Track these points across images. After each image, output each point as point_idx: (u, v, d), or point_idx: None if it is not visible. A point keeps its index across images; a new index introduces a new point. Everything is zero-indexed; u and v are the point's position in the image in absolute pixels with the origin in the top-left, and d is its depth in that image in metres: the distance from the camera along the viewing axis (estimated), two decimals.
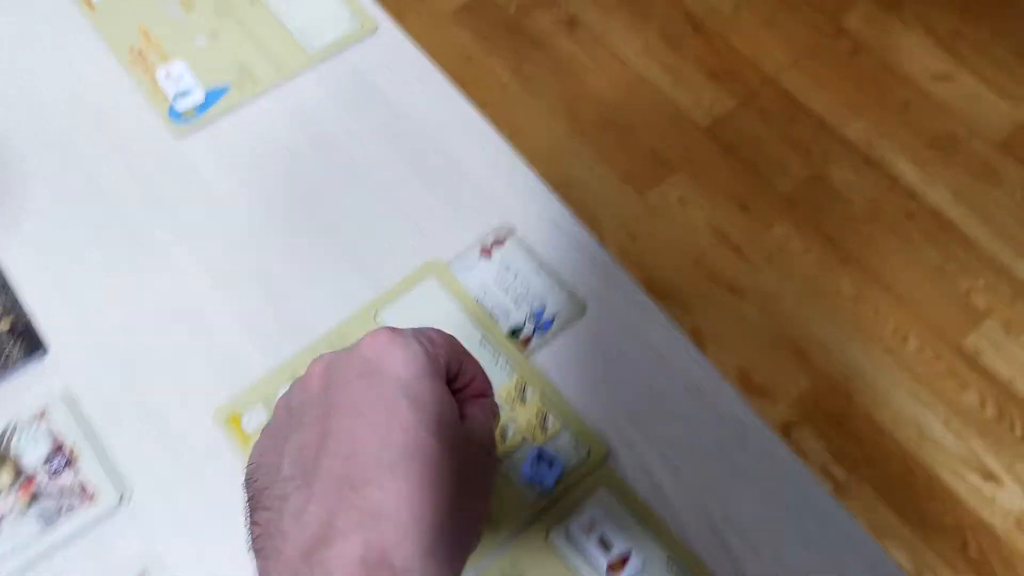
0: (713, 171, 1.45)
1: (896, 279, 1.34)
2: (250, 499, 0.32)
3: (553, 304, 0.52)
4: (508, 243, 0.54)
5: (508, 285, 0.53)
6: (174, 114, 0.58)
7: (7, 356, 0.49)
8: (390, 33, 0.62)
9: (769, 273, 1.36)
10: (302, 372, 0.35)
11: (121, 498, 0.46)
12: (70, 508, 0.46)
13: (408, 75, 0.60)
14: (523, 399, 0.49)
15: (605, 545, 0.45)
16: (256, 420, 0.48)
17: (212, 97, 0.59)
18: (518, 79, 1.51)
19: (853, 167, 1.46)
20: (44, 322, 0.51)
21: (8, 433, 0.48)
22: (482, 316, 0.52)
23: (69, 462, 0.47)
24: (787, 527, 0.46)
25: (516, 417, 0.49)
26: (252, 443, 0.37)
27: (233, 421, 0.49)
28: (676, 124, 1.50)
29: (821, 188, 1.44)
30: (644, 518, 0.46)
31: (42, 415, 0.48)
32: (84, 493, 0.46)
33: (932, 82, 1.52)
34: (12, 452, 0.47)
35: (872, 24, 1.59)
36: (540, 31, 1.59)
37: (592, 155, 1.42)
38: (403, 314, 0.52)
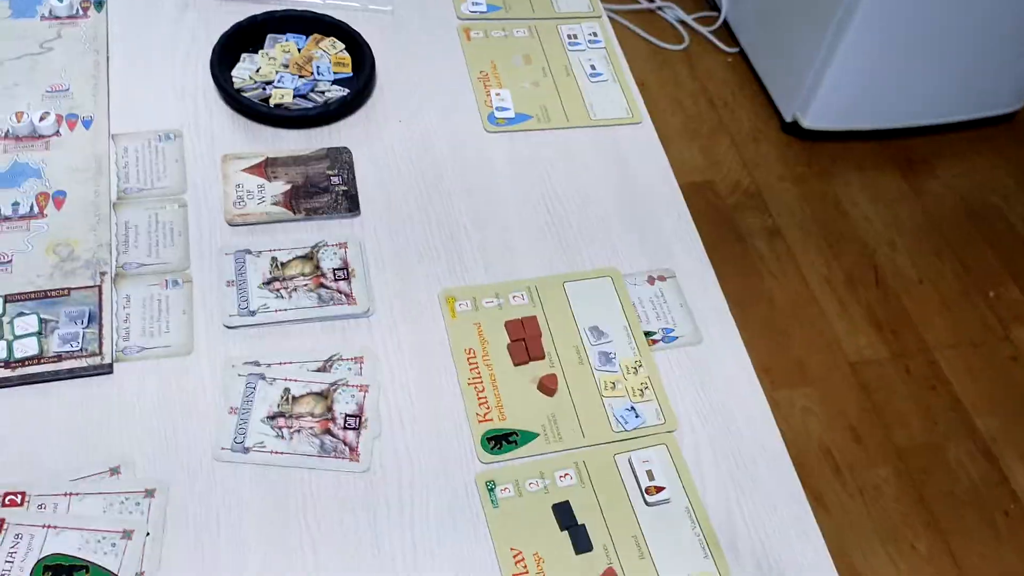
0: (843, 399, 1.61)
1: (970, 563, 1.44)
2: None
3: (681, 330, 0.73)
4: (667, 282, 0.76)
5: (656, 305, 0.74)
6: (491, 119, 0.85)
7: (338, 205, 0.75)
8: (647, 128, 0.87)
9: (856, 502, 1.49)
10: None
11: (368, 311, 0.70)
12: (338, 301, 0.70)
13: (647, 158, 0.85)
14: (636, 372, 0.70)
15: (650, 475, 0.64)
16: (466, 307, 0.72)
17: (519, 119, 0.85)
18: (710, 255, 1.75)
19: (970, 452, 1.58)
20: (363, 198, 0.77)
21: (319, 247, 0.73)
22: (631, 314, 0.73)
23: (347, 278, 0.71)
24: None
25: (628, 380, 0.69)
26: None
27: (450, 301, 0.72)
28: (828, 348, 1.68)
29: (934, 456, 1.57)
30: (682, 476, 0.65)
31: (343, 245, 0.73)
32: (349, 298, 0.70)
33: None
34: (317, 257, 0.72)
35: None
36: (745, 228, 1.83)
37: (745, 335, 1.61)
38: (582, 291, 0.74)
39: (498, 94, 0.87)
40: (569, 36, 0.94)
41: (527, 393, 0.68)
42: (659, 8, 2.18)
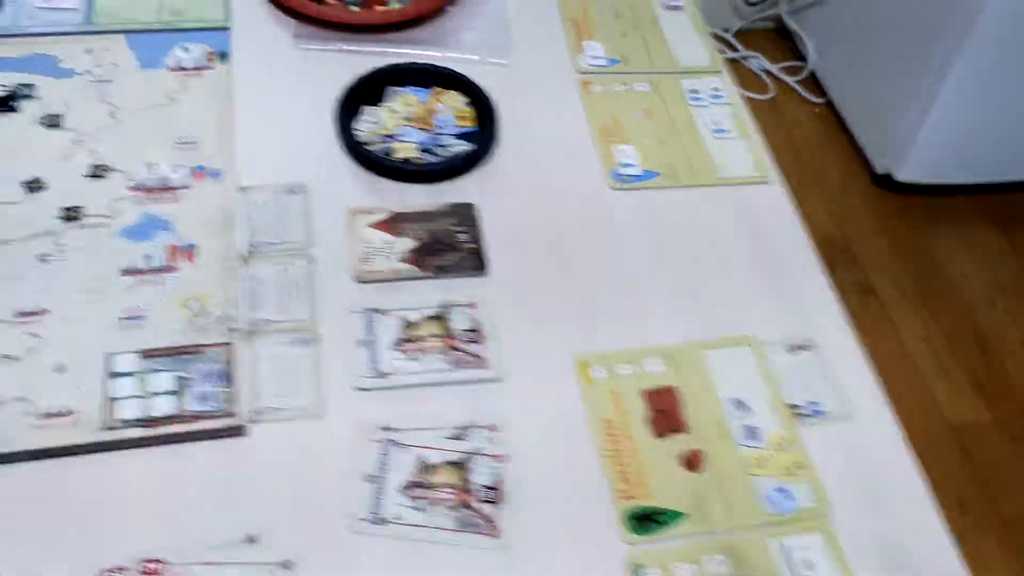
0: (945, 466, 1.54)
1: None
2: None
3: (828, 404, 0.69)
4: (809, 351, 0.72)
5: (799, 376, 0.70)
6: (616, 175, 0.83)
7: (465, 263, 0.74)
8: (777, 187, 0.84)
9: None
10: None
11: (500, 375, 0.68)
12: (469, 364, 0.68)
13: (778, 218, 0.82)
14: (783, 448, 0.66)
15: (808, 565, 0.60)
16: (601, 374, 0.69)
17: (645, 176, 0.83)
18: None
19: None
20: (490, 256, 0.75)
21: (449, 306, 0.71)
22: (773, 386, 0.69)
23: (478, 340, 0.69)
24: None
25: (775, 458, 0.65)
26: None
27: (583, 366, 0.69)
28: (927, 411, 1.61)
29: None
30: (841, 566, 0.61)
31: (472, 305, 0.71)
32: (480, 361, 0.68)
33: None
34: (447, 317, 0.70)
35: None
36: (836, 283, 1.77)
37: None
38: (720, 359, 0.71)
39: (622, 150, 0.85)
40: (691, 91, 0.92)
41: (670, 468, 0.64)
42: (744, 58, 2.15)
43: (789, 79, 2.13)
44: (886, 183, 1.91)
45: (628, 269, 0.76)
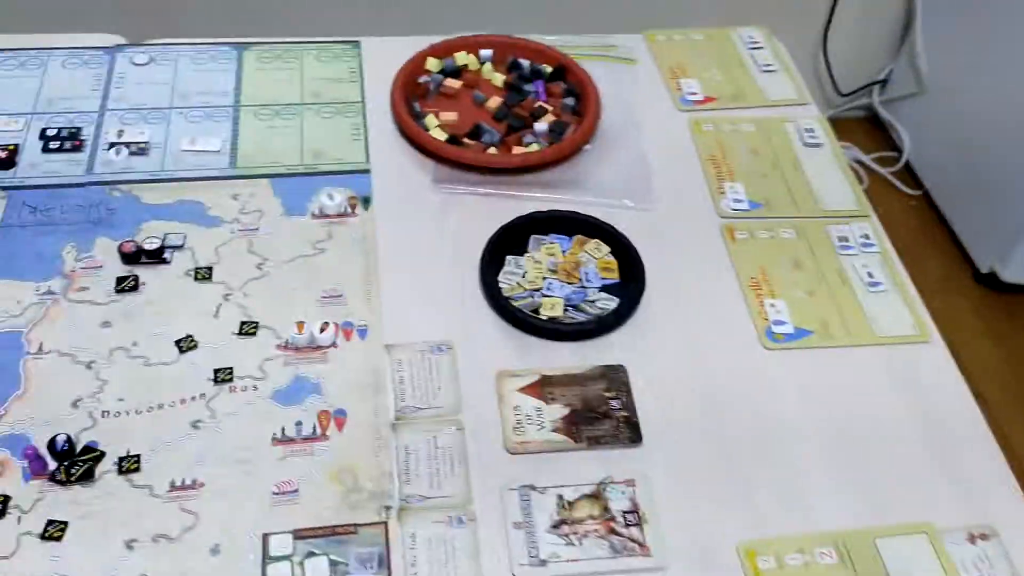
0: None
1: None
2: None
3: None
4: (991, 541, 0.67)
5: (982, 571, 0.65)
6: (769, 334, 0.79)
7: (620, 434, 0.71)
8: (938, 348, 0.80)
9: None
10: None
11: (663, 566, 0.64)
12: (630, 552, 0.64)
13: (942, 384, 0.77)
14: None
15: None
16: (769, 564, 0.65)
17: (799, 334, 0.80)
18: None
19: None
20: (644, 424, 0.72)
21: (606, 484, 0.68)
22: None
23: (638, 523, 0.66)
24: None
25: None
26: None
27: (750, 556, 0.65)
28: None
29: None
30: None
31: (630, 483, 0.68)
32: (642, 548, 0.65)
33: None
34: (604, 496, 0.67)
35: None
36: None
37: None
38: (895, 549, 0.66)
39: (773, 305, 0.82)
40: (839, 238, 0.88)
41: None
42: None
43: (883, 170, 2.08)
44: (990, 282, 1.83)
45: (788, 439, 0.73)
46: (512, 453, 0.70)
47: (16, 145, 0.89)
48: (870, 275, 0.85)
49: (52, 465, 0.66)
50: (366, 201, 0.88)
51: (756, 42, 1.11)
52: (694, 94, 1.03)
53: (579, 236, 0.86)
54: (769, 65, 1.07)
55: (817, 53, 2.01)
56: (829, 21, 1.94)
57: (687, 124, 1.00)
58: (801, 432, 0.73)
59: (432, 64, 1.01)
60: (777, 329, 0.80)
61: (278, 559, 0.62)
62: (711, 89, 1.04)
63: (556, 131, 0.95)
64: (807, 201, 0.92)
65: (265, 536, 0.64)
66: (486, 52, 1.03)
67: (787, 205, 0.92)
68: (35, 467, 0.66)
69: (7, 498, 0.64)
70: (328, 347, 0.75)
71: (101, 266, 0.79)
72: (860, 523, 0.68)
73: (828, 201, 0.92)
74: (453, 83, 1.00)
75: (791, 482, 0.70)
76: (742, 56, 1.09)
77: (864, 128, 2.20)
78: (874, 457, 0.72)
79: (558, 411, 0.73)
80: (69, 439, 0.67)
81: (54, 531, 0.63)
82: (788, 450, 0.72)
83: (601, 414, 0.73)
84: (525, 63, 1.03)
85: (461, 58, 1.02)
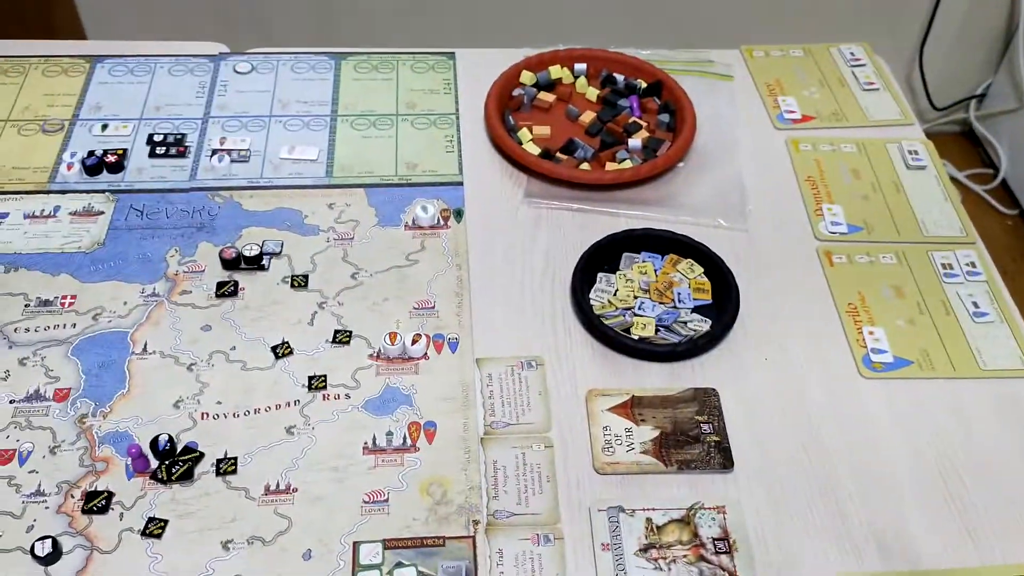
0: None
1: None
2: None
3: None
4: None
5: None
6: (867, 362, 0.77)
7: (711, 459, 0.70)
8: None
9: None
10: None
11: None
12: None
13: None
14: None
15: None
16: None
17: (898, 364, 0.77)
18: None
19: None
20: (735, 450, 0.71)
21: (695, 509, 0.67)
22: None
23: (728, 551, 0.65)
24: None
25: None
26: None
27: None
28: None
29: None
30: None
31: (720, 510, 0.67)
32: None
33: None
34: (694, 522, 0.66)
35: None
36: None
37: None
38: None
39: (871, 332, 0.79)
40: (943, 265, 0.86)
41: None
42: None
43: (978, 187, 2.01)
44: None
45: (887, 475, 0.71)
46: (601, 473, 0.70)
47: (125, 150, 0.92)
48: (975, 304, 0.82)
49: (154, 464, 0.68)
50: (459, 214, 0.88)
51: (858, 59, 1.08)
52: (792, 112, 1.01)
53: (672, 255, 0.85)
54: (871, 83, 1.05)
55: (912, 66, 1.96)
56: (927, 34, 1.89)
57: (784, 143, 0.98)
58: (900, 465, 0.71)
59: (526, 77, 1.01)
60: (876, 358, 0.78)
61: (368, 568, 0.63)
62: (809, 107, 1.02)
63: (650, 147, 0.94)
64: (909, 226, 0.90)
65: (356, 544, 0.64)
66: (580, 66, 1.03)
67: (888, 229, 0.89)
68: (138, 465, 0.68)
69: (111, 494, 0.66)
70: (419, 359, 0.76)
71: (203, 270, 0.81)
72: (962, 563, 0.66)
73: (931, 226, 0.90)
74: (547, 97, 1.00)
75: (889, 517, 0.68)
76: (842, 73, 1.06)
77: (959, 144, 2.13)
78: (978, 495, 0.70)
79: (648, 433, 0.72)
80: (171, 439, 0.68)
81: (154, 528, 0.64)
82: (887, 483, 0.70)
83: (692, 438, 0.72)
84: (619, 77, 1.02)
85: (555, 71, 1.02)
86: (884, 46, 1.14)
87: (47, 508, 0.65)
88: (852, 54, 1.09)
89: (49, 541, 0.63)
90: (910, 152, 0.97)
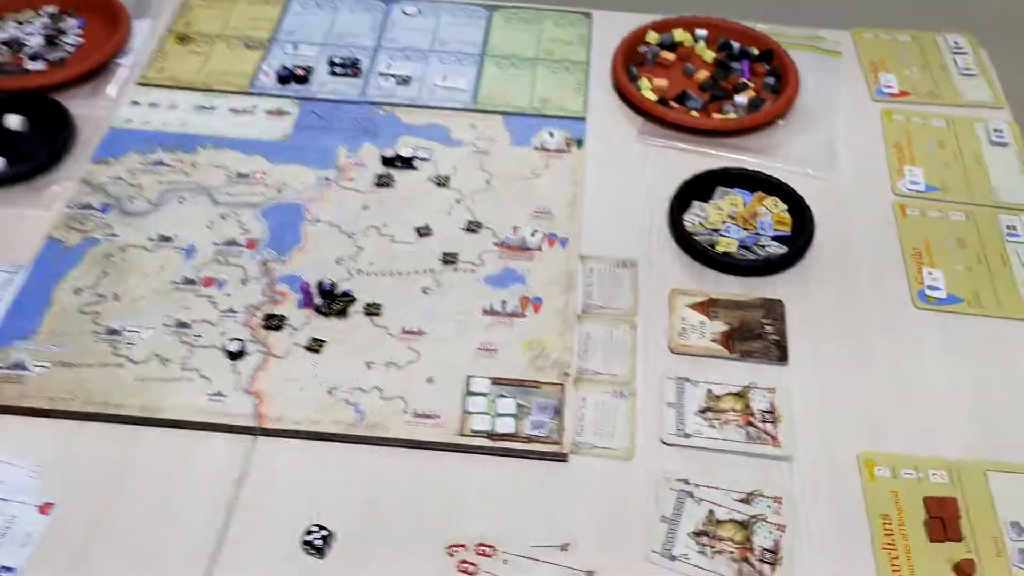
0: None
1: None
2: None
3: None
4: None
5: None
6: (922, 295, 0.89)
7: (769, 352, 0.83)
8: None
9: None
10: None
11: (790, 456, 0.76)
12: (763, 441, 0.76)
13: None
14: None
15: None
16: (884, 473, 0.75)
17: (949, 300, 0.88)
18: None
19: None
20: (792, 349, 0.84)
21: (750, 387, 0.80)
22: None
23: (773, 421, 0.78)
24: None
25: None
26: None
27: (868, 463, 0.76)
28: None
29: None
30: None
31: (771, 390, 0.80)
32: (774, 440, 0.77)
33: None
34: (747, 396, 0.80)
35: None
36: None
37: None
38: (1005, 483, 0.75)
39: (930, 272, 0.90)
40: (1008, 227, 0.95)
41: (941, 573, 0.69)
42: None
43: None
44: None
45: (924, 386, 0.82)
46: (674, 352, 0.84)
47: (310, 67, 1.11)
48: None
49: (318, 300, 0.86)
50: (580, 142, 1.03)
51: (961, 48, 1.17)
52: (890, 87, 1.12)
53: (760, 192, 0.98)
54: (969, 69, 1.14)
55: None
56: None
57: (879, 113, 1.09)
58: (937, 377, 0.82)
59: (652, 37, 1.15)
60: (930, 293, 0.89)
61: (477, 395, 0.79)
62: (907, 85, 1.12)
63: (754, 105, 1.07)
64: (982, 190, 1.00)
65: (468, 377, 0.80)
66: (701, 32, 1.16)
67: (962, 192, 0.99)
68: (306, 300, 0.86)
69: (284, 317, 0.84)
70: (535, 249, 0.91)
71: (365, 165, 0.99)
72: (976, 455, 0.77)
73: (1003, 194, 0.99)
74: (668, 55, 1.14)
75: (917, 415, 0.80)
76: (944, 59, 1.16)
77: None
78: (1008, 412, 0.80)
79: (719, 327, 0.85)
80: (332, 283, 0.86)
81: (315, 345, 0.82)
82: (920, 389, 0.82)
83: (756, 335, 0.85)
84: (735, 45, 1.15)
85: (678, 34, 1.16)
86: (995, 42, 1.21)
87: (236, 322, 0.84)
88: (956, 43, 1.18)
89: (237, 342, 0.81)
90: (995, 130, 1.06)
